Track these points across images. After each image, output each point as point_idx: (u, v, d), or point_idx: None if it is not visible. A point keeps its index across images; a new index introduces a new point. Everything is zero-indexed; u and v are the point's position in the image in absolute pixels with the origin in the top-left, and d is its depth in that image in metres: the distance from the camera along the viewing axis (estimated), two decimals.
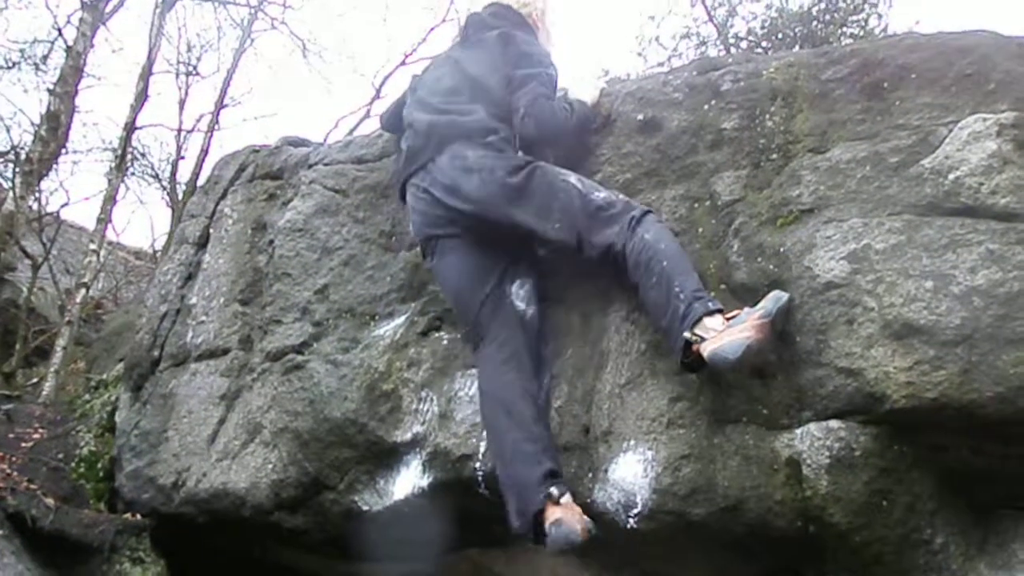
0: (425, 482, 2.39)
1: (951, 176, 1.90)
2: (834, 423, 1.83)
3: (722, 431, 1.97)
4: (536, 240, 2.30)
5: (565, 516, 1.94)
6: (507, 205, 2.27)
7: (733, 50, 7.96)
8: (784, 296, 1.88)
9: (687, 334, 1.88)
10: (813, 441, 1.84)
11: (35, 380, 5.83)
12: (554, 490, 1.99)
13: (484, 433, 2.27)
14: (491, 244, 2.36)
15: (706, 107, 2.37)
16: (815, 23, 7.87)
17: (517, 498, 2.05)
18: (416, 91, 2.67)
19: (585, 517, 1.97)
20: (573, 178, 2.26)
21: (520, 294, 2.35)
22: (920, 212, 1.90)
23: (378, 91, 10.84)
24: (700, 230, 2.22)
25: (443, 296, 2.52)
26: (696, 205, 2.27)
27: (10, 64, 8.41)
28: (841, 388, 1.81)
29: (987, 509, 1.90)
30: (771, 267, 2.02)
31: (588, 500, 2.07)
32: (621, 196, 2.24)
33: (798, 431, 1.87)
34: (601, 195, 2.21)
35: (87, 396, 4.17)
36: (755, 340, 1.78)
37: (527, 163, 2.30)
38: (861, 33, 7.75)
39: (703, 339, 1.86)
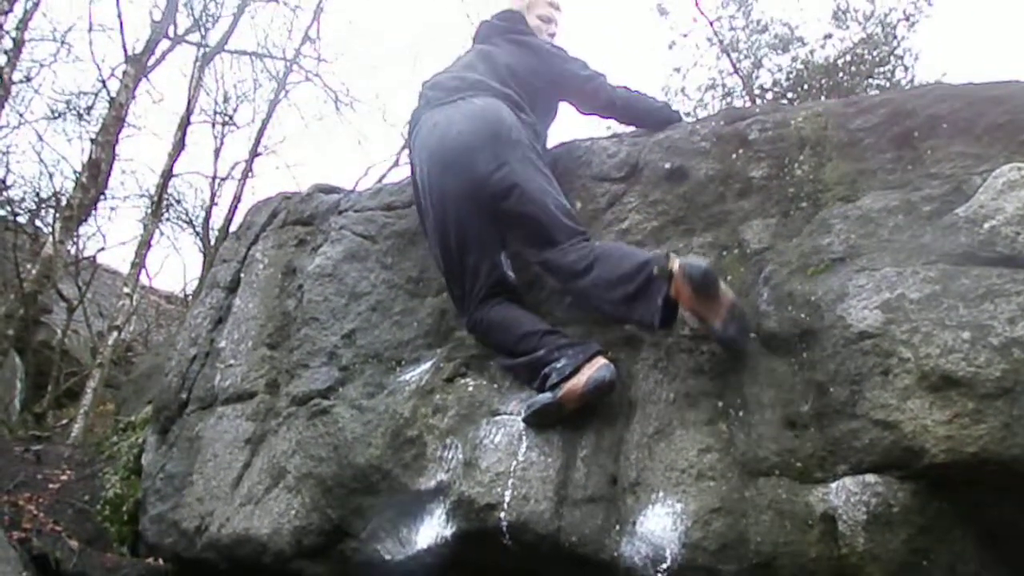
0: (449, 532, 2.34)
1: (986, 225, 1.87)
2: (871, 477, 1.77)
3: (754, 484, 1.92)
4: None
5: None
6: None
7: (759, 101, 8.02)
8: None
9: (657, 269, 2.08)
10: (849, 496, 1.78)
11: (65, 421, 5.90)
12: None
13: (509, 482, 2.24)
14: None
15: (734, 156, 2.37)
16: (841, 75, 7.92)
17: None
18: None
19: None
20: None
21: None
22: (955, 261, 1.86)
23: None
24: (729, 278, 2.20)
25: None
26: (725, 253, 2.26)
27: (56, 114, 8.77)
28: (877, 441, 1.76)
29: None
30: (802, 316, 1.99)
31: (615, 554, 2.01)
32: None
33: (833, 485, 1.82)
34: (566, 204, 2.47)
35: (115, 438, 4.20)
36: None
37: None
38: (887, 85, 7.78)
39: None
